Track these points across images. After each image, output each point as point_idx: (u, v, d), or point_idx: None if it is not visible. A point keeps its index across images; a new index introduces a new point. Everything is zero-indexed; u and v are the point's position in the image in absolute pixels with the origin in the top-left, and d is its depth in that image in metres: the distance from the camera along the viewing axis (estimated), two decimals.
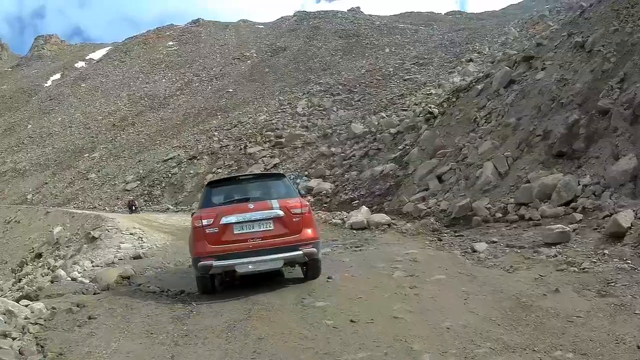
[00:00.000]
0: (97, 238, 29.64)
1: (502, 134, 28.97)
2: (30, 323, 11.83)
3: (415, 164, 35.98)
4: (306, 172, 50.31)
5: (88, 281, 17.55)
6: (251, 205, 14.02)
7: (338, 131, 57.48)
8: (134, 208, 56.67)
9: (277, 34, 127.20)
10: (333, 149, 52.19)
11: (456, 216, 25.68)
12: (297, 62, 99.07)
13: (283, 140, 60.81)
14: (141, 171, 75.47)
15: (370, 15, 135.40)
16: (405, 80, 68.88)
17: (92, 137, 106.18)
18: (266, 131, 65.72)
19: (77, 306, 13.45)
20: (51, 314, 12.62)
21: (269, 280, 14.95)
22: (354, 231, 28.13)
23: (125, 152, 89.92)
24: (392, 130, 46.20)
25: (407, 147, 40.62)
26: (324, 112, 66.99)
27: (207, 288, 14.49)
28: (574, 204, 20.52)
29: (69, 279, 18.21)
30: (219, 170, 61.98)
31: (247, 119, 75.48)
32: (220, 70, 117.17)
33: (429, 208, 28.93)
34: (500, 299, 11.99)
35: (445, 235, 23.08)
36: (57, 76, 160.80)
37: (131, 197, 64.37)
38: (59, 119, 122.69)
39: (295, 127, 64.17)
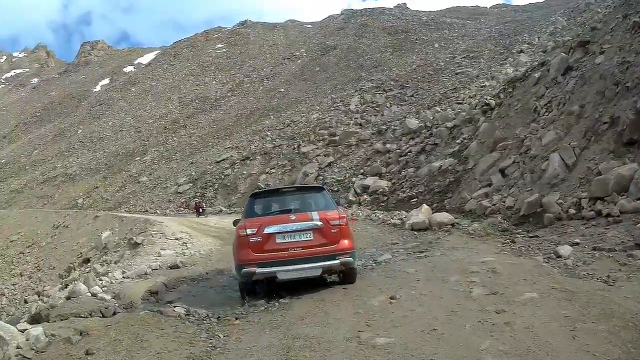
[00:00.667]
0: (139, 244, 29.03)
1: (565, 122, 26.80)
2: (21, 354, 10.10)
3: (475, 158, 34.13)
4: (362, 170, 48.21)
5: (109, 297, 15.59)
6: (293, 217, 14.50)
7: (392, 127, 54.84)
8: (201, 211, 52.19)
9: (326, 33, 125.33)
10: (388, 146, 49.72)
11: (525, 213, 23.69)
12: (347, 60, 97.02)
13: (337, 138, 58.49)
14: (193, 173, 74.21)
15: (416, 11, 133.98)
16: (457, 74, 66.68)
17: (143, 140, 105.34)
18: (319, 129, 63.62)
19: (80, 334, 11.28)
20: (47, 344, 10.69)
21: (312, 291, 14.19)
22: (415, 232, 26.01)
23: (177, 155, 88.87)
24: (449, 124, 43.82)
25: (465, 140, 38.51)
26: (377, 109, 64.76)
27: (248, 292, 14.74)
28: None
29: (88, 294, 16.15)
30: (273, 171, 60.39)
31: (299, 118, 73.71)
32: (271, 70, 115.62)
33: (494, 205, 26.98)
34: (616, 327, 9.39)
35: (518, 236, 20.75)
36: (106, 81, 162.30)
37: (197, 199, 60.94)
38: (110, 123, 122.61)
39: (349, 125, 61.94)
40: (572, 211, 21.05)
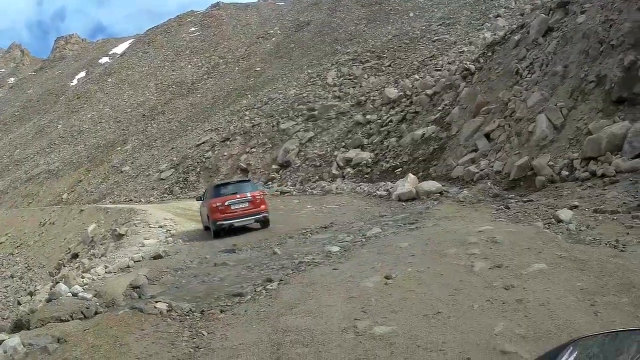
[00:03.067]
0: (123, 235, 29.90)
1: (550, 83, 26.12)
2: None
3: (458, 124, 33.34)
4: (343, 143, 46.93)
5: (90, 296, 14.37)
6: (238, 195, 25.12)
7: (372, 98, 53.65)
8: None
9: (299, 9, 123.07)
10: (369, 117, 48.48)
11: (515, 177, 23.06)
12: (322, 34, 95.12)
13: (316, 112, 56.72)
14: (175, 158, 72.53)
15: None
16: (434, 41, 64.82)
17: (123, 129, 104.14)
18: (298, 105, 61.69)
19: (58, 341, 10.22)
20: (24, 355, 9.78)
21: (300, 272, 14.27)
22: (403, 203, 25.56)
23: (158, 141, 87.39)
24: (429, 92, 42.46)
25: (447, 107, 37.54)
26: (354, 81, 63.11)
27: (219, 234, 24.53)
28: None
29: (69, 294, 14.93)
30: (253, 150, 58.82)
31: (277, 96, 71.63)
32: (246, 50, 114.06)
33: (482, 170, 26.22)
34: (639, 299, 8.40)
35: (512, 201, 19.93)
36: (82, 74, 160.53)
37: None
38: (89, 115, 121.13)
39: (327, 99, 60.19)
40: (564, 173, 20.45)
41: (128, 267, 19.29)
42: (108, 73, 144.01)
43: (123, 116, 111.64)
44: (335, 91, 61.72)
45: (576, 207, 15.69)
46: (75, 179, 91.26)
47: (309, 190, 40.38)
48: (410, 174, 29.47)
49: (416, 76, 50.92)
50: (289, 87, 72.96)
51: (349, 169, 41.48)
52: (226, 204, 24.47)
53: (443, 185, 25.94)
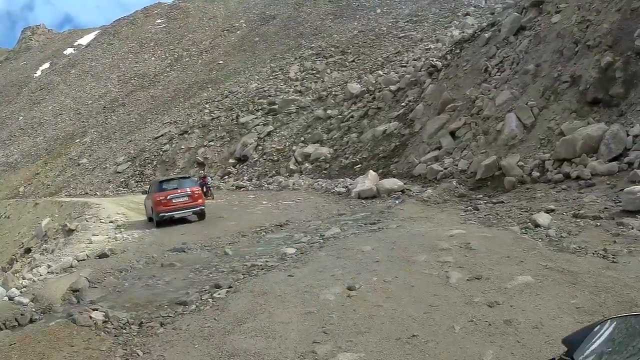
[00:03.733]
0: (73, 230, 28.33)
1: (521, 82, 25.32)
2: None
3: (422, 121, 32.17)
4: (302, 138, 45.47)
5: (27, 300, 13.00)
6: (179, 190, 26.78)
7: (334, 93, 52.19)
8: (204, 189, 35.78)
9: (266, 3, 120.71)
10: (329, 112, 46.87)
11: (482, 177, 21.92)
12: (287, 29, 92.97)
13: (276, 106, 55.31)
14: (132, 151, 70.72)
15: None
16: (400, 38, 63.48)
17: (83, 122, 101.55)
18: (258, 99, 60.05)
19: None
20: None
21: (251, 277, 13.08)
22: (363, 201, 24.33)
23: (116, 134, 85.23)
24: (392, 87, 41.04)
25: (411, 103, 36.19)
26: (317, 75, 61.46)
27: (161, 224, 25.80)
28: (628, 158, 16.95)
29: (5, 298, 13.57)
30: (211, 143, 57.31)
31: (238, 89, 70.31)
32: (210, 43, 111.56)
33: (446, 169, 25.13)
34: None
35: (480, 202, 18.69)
36: (47, 65, 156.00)
37: (203, 172, 46.42)
38: (50, 107, 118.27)
39: (288, 93, 58.64)
40: (535, 174, 19.50)
41: (71, 267, 17.59)
42: (72, 64, 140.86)
43: (84, 108, 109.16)
44: (297, 85, 60.04)
45: (552, 210, 14.50)
46: (33, 171, 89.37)
47: (266, 185, 39.15)
48: (370, 171, 28.37)
49: (380, 72, 49.36)
50: (250, 80, 71.33)
51: (307, 165, 40.05)
52: (168, 197, 26.45)
53: (405, 184, 24.76)
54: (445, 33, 54.52)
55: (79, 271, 16.14)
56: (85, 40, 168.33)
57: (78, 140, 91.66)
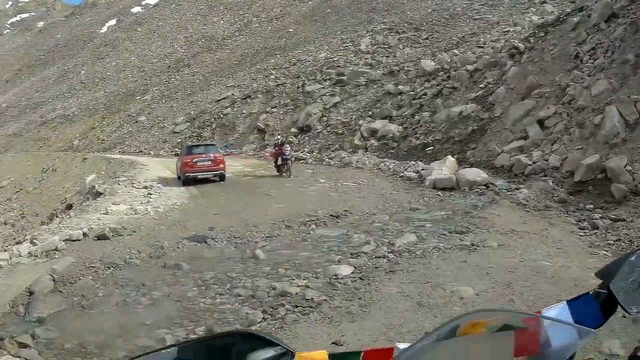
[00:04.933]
0: (102, 193, 27.80)
1: (619, 72, 22.25)
2: None
3: (503, 105, 29.03)
4: (370, 112, 42.47)
5: None
6: (204, 155, 30.11)
7: (406, 68, 48.71)
8: (278, 161, 30.92)
9: None
10: (401, 87, 43.45)
11: (582, 180, 18.43)
12: (359, 2, 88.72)
13: (345, 77, 52.41)
14: (192, 112, 69.02)
15: None
16: (475, 19, 60.04)
17: (146, 80, 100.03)
18: (327, 69, 57.52)
19: None
20: None
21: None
22: (439, 193, 20.43)
23: (178, 94, 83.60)
24: (469, 67, 37.78)
25: (490, 85, 32.94)
26: (389, 50, 58.23)
27: (188, 183, 29.02)
28: None
29: None
30: (274, 110, 55.03)
31: (307, 57, 67.75)
32: (281, 11, 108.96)
33: (535, 163, 21.72)
34: None
35: (595, 216, 14.98)
36: (113, 22, 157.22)
37: (280, 138, 35.18)
38: (113, 63, 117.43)
39: (358, 65, 55.65)
40: None
41: (56, 249, 14.54)
42: (139, 22, 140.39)
43: (148, 66, 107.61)
44: (367, 58, 56.98)
45: None
46: (89, 125, 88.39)
47: (327, 159, 36.16)
48: (449, 157, 24.94)
49: (455, 51, 45.89)
50: (320, 50, 68.68)
51: (373, 141, 37.16)
52: (194, 160, 29.49)
53: (489, 176, 21.26)
54: (523, 18, 51.11)
55: (60, 258, 13.18)
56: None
57: (139, 97, 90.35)
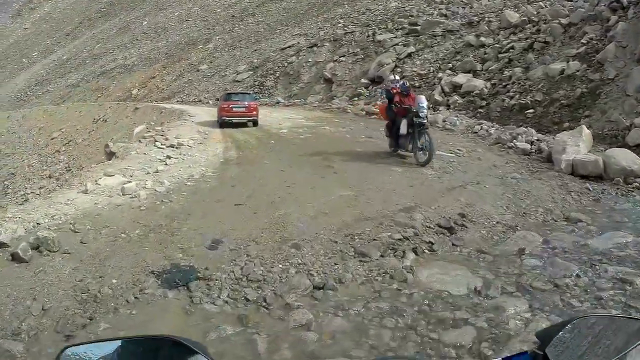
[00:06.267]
0: (115, 153, 20.87)
1: None
2: None
3: (617, 66, 24.51)
4: (450, 65, 38.15)
5: None
6: (239, 102, 31.34)
7: (487, 19, 43.98)
8: (404, 128, 18.08)
9: None
10: (483, 39, 38.77)
11: None
12: None
13: (418, 27, 47.90)
14: (255, 60, 65.64)
15: None
16: None
17: (209, 29, 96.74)
18: (398, 18, 53.19)
19: None
20: None
21: None
22: (588, 184, 14.84)
23: (242, 42, 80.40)
24: (563, 21, 33.11)
25: (594, 42, 28.34)
26: (464, 1, 52.68)
27: (223, 125, 30.47)
28: None
29: None
30: (342, 59, 50.85)
31: (376, 7, 62.93)
32: None
33: None
34: None
35: None
36: None
37: (397, 78, 26.10)
38: (176, 14, 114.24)
39: (432, 15, 50.79)
40: None
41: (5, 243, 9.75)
42: None
43: (211, 16, 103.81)
44: (441, 9, 52.00)
45: None
46: (149, 75, 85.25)
47: None
48: (584, 127, 18.58)
49: (541, 3, 41.27)
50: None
51: (456, 97, 32.87)
52: (230, 106, 31.02)
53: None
54: None
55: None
56: None
57: (201, 46, 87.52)
